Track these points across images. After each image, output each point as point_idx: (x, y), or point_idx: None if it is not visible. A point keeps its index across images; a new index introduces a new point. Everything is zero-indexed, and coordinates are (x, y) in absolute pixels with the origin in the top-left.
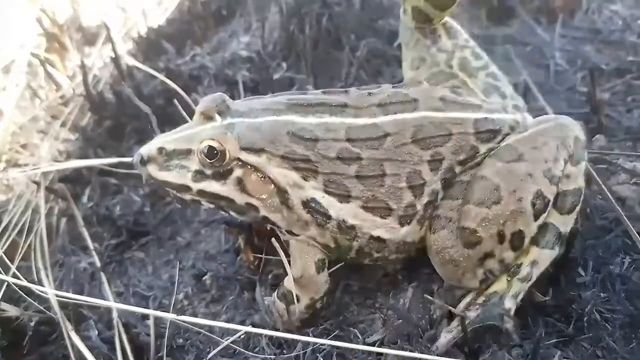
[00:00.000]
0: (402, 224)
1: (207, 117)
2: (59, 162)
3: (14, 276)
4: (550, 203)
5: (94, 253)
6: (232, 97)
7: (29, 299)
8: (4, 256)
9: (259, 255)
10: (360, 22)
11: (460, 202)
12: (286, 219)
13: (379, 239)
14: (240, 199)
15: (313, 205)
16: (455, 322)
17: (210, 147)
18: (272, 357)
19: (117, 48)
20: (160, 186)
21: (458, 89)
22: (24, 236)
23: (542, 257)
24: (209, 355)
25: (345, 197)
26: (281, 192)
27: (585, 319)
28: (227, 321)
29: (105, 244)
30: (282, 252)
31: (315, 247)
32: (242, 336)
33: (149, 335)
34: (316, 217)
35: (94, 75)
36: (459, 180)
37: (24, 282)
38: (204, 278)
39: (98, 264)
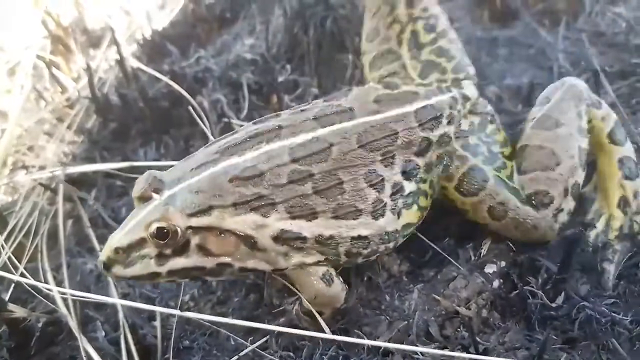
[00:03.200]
0: (375, 218)
1: (145, 199)
2: (79, 165)
3: (22, 277)
4: (586, 152)
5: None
6: (237, 100)
7: (39, 296)
8: (12, 256)
9: None
10: (363, 25)
11: (491, 188)
12: (265, 261)
13: (360, 237)
14: (209, 263)
15: (285, 236)
16: (611, 254)
17: (159, 229)
18: None
19: (122, 50)
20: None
21: (394, 76)
22: (31, 238)
23: (637, 189)
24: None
25: (312, 215)
26: (247, 240)
27: (591, 321)
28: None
29: None
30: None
31: (312, 266)
32: (253, 337)
33: (155, 337)
34: (293, 244)
35: (99, 77)
36: (456, 172)
37: (32, 281)
38: (209, 280)
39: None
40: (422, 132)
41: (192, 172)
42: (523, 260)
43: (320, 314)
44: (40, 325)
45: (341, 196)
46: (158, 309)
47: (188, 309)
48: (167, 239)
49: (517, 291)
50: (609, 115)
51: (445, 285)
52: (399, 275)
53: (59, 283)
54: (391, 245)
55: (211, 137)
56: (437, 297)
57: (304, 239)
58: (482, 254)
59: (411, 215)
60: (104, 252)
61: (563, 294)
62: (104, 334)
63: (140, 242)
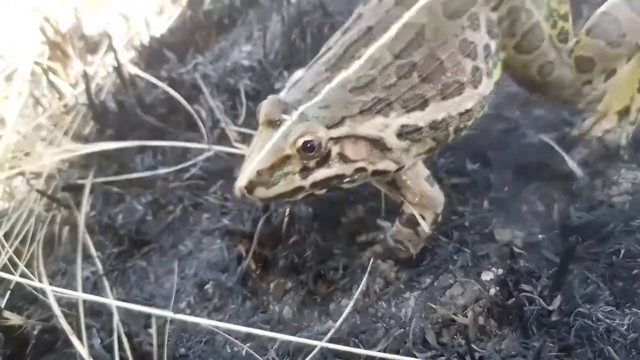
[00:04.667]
0: (475, 87)
1: (273, 122)
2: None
3: (18, 284)
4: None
5: (97, 260)
6: (234, 106)
7: (40, 295)
8: (13, 255)
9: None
10: None
11: (545, 47)
12: (392, 160)
13: (466, 112)
14: (348, 169)
15: (405, 130)
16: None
17: (305, 142)
18: None
19: (120, 57)
20: (272, 201)
21: None
22: (27, 244)
23: None
24: None
25: (424, 103)
26: (377, 142)
27: (588, 328)
28: (230, 329)
29: (107, 253)
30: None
31: (419, 166)
32: (249, 344)
33: (151, 344)
34: (412, 137)
35: (97, 83)
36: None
37: (34, 282)
38: (206, 287)
39: (101, 270)
40: None
41: (311, 91)
42: (520, 267)
43: (423, 218)
44: (36, 332)
45: (444, 76)
46: (154, 310)
47: None
48: (314, 151)
49: (514, 298)
50: None
51: (442, 293)
52: (396, 282)
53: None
54: (486, 108)
55: (207, 146)
56: (434, 304)
57: (420, 129)
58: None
59: (498, 72)
60: (244, 177)
61: (560, 301)
62: (99, 341)
63: (283, 160)
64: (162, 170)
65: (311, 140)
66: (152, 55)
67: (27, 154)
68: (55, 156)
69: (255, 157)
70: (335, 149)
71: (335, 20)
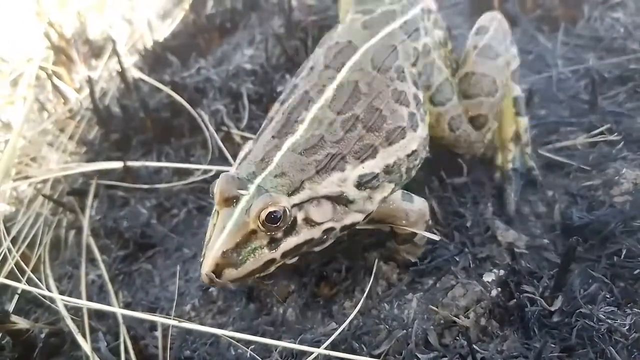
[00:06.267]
0: (415, 130)
1: (230, 200)
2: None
3: (27, 284)
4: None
5: (102, 265)
6: (237, 110)
7: (45, 300)
8: (20, 261)
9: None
10: None
11: (455, 101)
12: (357, 211)
13: (412, 152)
14: (317, 232)
15: (362, 180)
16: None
17: (269, 214)
18: None
19: (123, 61)
20: (243, 281)
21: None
22: (36, 248)
23: (526, 124)
24: None
25: (374, 151)
26: (339, 198)
27: (589, 329)
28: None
29: (113, 256)
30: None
31: (390, 197)
32: (253, 346)
33: (156, 347)
34: (371, 185)
35: (101, 87)
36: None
37: (42, 291)
38: (210, 289)
39: (106, 275)
40: (412, 43)
41: (263, 162)
42: (521, 268)
43: (414, 234)
44: (43, 336)
45: (386, 123)
46: (158, 318)
47: (189, 319)
48: (279, 222)
49: (515, 299)
50: (515, 56)
51: (444, 294)
52: (399, 284)
53: (62, 293)
54: (427, 148)
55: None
56: (435, 307)
57: (376, 176)
58: None
59: (429, 119)
60: (208, 262)
61: (561, 301)
62: (106, 344)
63: (248, 236)
64: (164, 185)
65: (275, 211)
66: (155, 60)
67: (33, 159)
68: (61, 160)
69: (218, 238)
70: (300, 215)
71: (335, 23)
